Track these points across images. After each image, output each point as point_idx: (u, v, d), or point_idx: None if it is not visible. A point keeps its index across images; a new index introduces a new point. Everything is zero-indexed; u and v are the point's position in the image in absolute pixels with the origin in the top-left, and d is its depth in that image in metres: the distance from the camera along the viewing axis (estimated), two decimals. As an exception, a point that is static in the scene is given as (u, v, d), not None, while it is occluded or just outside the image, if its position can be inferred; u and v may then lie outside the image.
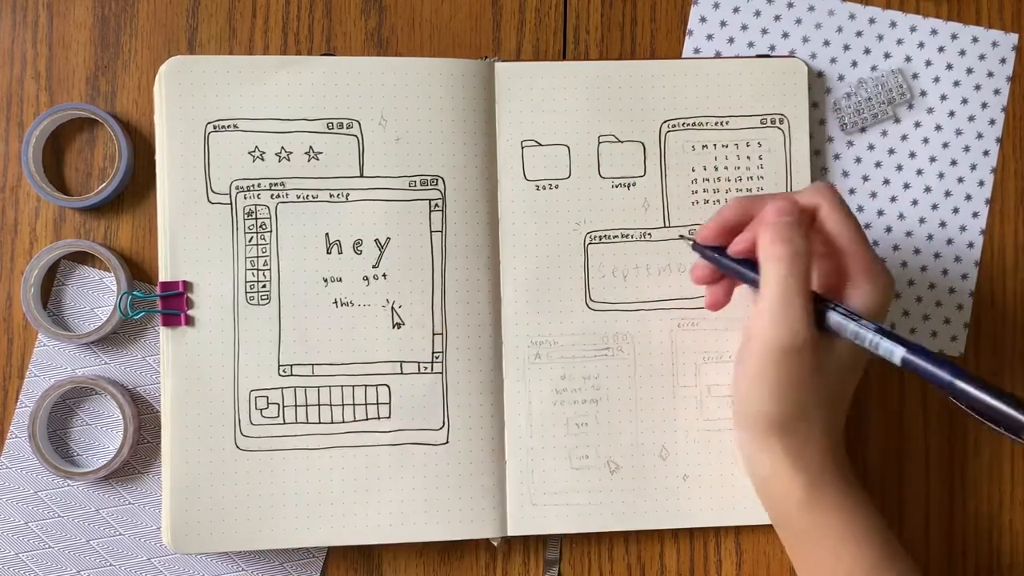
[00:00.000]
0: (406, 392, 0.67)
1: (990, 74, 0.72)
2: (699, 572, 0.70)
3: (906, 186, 0.71)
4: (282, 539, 0.66)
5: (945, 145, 0.71)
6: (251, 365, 0.66)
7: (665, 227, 0.69)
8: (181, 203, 0.66)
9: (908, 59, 0.71)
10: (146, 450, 0.68)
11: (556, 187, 0.69)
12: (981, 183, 0.71)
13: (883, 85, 0.71)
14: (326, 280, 0.67)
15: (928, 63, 0.71)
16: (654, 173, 0.69)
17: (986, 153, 0.72)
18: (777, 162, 0.70)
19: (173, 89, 0.66)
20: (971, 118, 0.71)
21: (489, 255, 0.68)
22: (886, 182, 0.71)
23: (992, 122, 0.72)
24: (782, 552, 0.69)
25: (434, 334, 0.67)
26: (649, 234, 0.69)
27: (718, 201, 0.69)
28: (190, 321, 0.66)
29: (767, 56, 0.71)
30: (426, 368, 0.67)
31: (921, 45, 0.71)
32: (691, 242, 0.65)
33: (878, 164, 0.71)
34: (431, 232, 0.67)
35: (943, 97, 0.71)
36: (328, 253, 0.67)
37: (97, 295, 0.69)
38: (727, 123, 0.70)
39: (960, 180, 0.71)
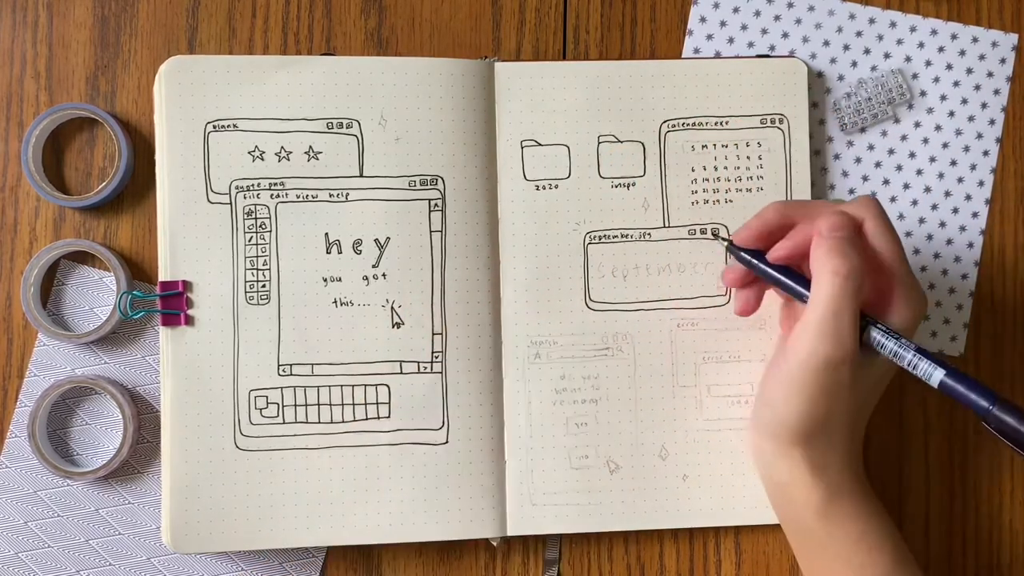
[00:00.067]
0: (406, 392, 0.67)
1: (990, 74, 0.72)
2: (699, 572, 0.70)
3: (906, 186, 0.71)
4: (282, 539, 0.66)
5: (945, 145, 0.71)
6: (251, 365, 0.66)
7: (665, 227, 0.69)
8: (181, 203, 0.66)
9: (908, 59, 0.71)
10: (146, 450, 0.68)
11: (556, 187, 0.69)
12: (981, 183, 0.71)
13: (883, 85, 0.71)
14: (326, 280, 0.67)
15: (928, 63, 0.71)
16: (654, 173, 0.69)
17: (986, 153, 0.72)
18: (777, 162, 0.70)
19: (173, 89, 0.66)
20: (971, 118, 0.71)
21: (489, 255, 0.68)
22: (886, 182, 0.71)
23: (992, 122, 0.72)
24: (782, 552, 0.69)
25: (434, 334, 0.67)
26: (649, 234, 0.69)
27: (718, 201, 0.69)
28: (190, 321, 0.66)
29: (767, 56, 0.71)
30: (426, 368, 0.67)
31: (921, 45, 0.71)
32: (727, 243, 0.64)
33: (878, 164, 0.71)
34: (431, 232, 0.67)
35: (943, 97, 0.71)
36: (328, 253, 0.67)
37: (97, 295, 0.69)
38: (727, 123, 0.70)
39: (960, 180, 0.71)
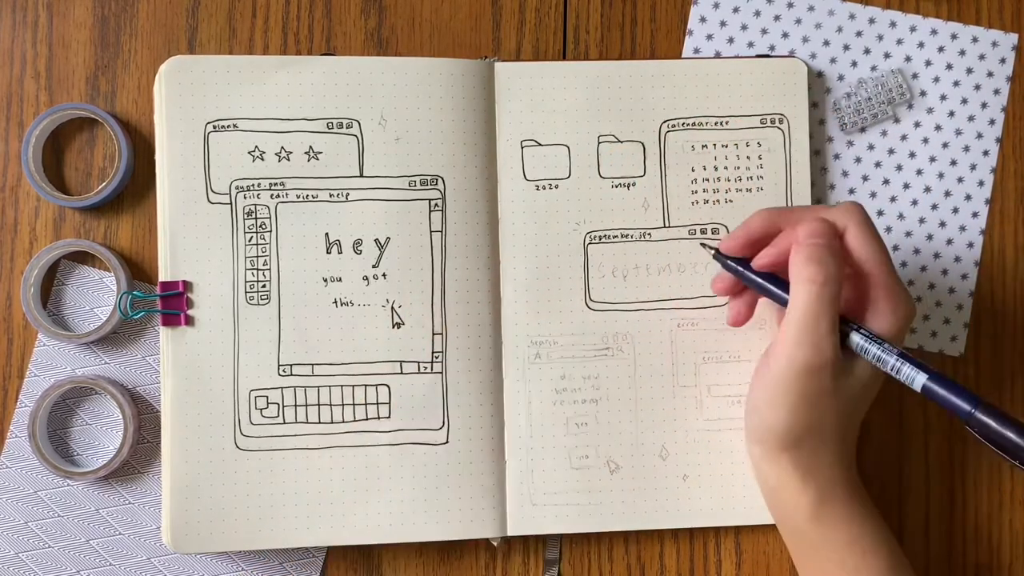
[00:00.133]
0: (406, 392, 0.67)
1: (990, 74, 0.72)
2: (699, 572, 0.70)
3: (906, 186, 0.71)
4: (282, 539, 0.66)
5: (945, 145, 0.71)
6: (251, 365, 0.66)
7: (665, 227, 0.69)
8: (181, 203, 0.66)
9: (908, 59, 0.71)
10: (146, 450, 0.68)
11: (556, 187, 0.69)
12: (981, 183, 0.71)
13: (883, 85, 0.71)
14: (326, 280, 0.67)
15: (928, 63, 0.71)
16: (654, 173, 0.69)
17: (986, 153, 0.72)
18: (777, 162, 0.70)
19: (173, 89, 0.66)
20: (971, 118, 0.72)
21: (489, 255, 0.68)
22: (886, 182, 0.71)
23: (992, 122, 0.72)
24: (782, 552, 0.69)
25: (434, 334, 0.67)
26: (649, 234, 0.69)
27: (718, 201, 0.69)
28: (190, 321, 0.66)
29: (767, 56, 0.71)
30: (426, 368, 0.67)
31: (921, 45, 0.72)
32: (713, 251, 0.64)
33: (878, 164, 0.71)
34: (431, 232, 0.67)
35: (943, 97, 0.71)
36: (328, 253, 0.67)
37: (97, 295, 0.69)
38: (727, 123, 0.70)
39: (960, 180, 0.71)
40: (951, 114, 0.71)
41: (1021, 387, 0.71)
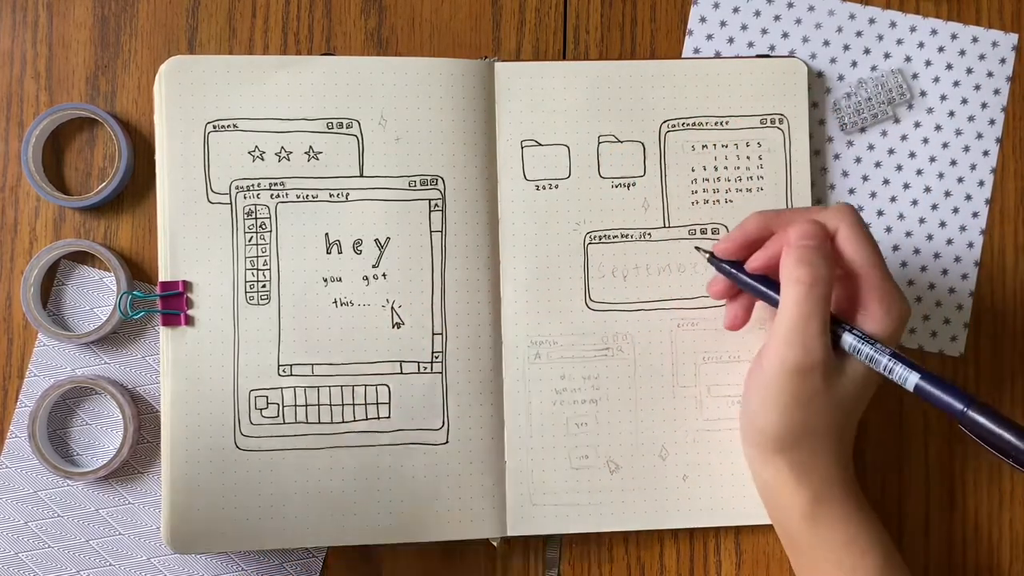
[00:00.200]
0: (406, 392, 0.67)
1: (990, 74, 0.72)
2: (699, 572, 0.70)
3: (906, 186, 0.71)
4: (282, 539, 0.66)
5: (945, 145, 0.71)
6: (251, 365, 0.66)
7: (665, 227, 0.69)
8: (181, 203, 0.66)
9: (908, 59, 0.71)
10: (146, 450, 0.68)
11: (556, 187, 0.69)
12: (981, 183, 0.71)
13: (883, 85, 0.71)
14: (326, 280, 0.67)
15: (928, 63, 0.71)
16: (654, 173, 0.69)
17: (986, 153, 0.72)
18: (777, 162, 0.70)
19: (173, 89, 0.66)
20: (971, 118, 0.72)
21: (489, 255, 0.68)
22: (886, 182, 0.71)
23: (992, 122, 0.72)
24: (782, 552, 0.69)
25: (434, 334, 0.67)
26: (649, 234, 0.69)
27: (718, 201, 0.69)
28: (190, 321, 0.66)
29: (767, 56, 0.71)
30: (426, 368, 0.67)
31: (921, 45, 0.72)
32: (708, 255, 0.65)
33: (878, 164, 0.71)
34: (431, 232, 0.67)
35: (943, 97, 0.71)
36: (328, 253, 0.67)
37: (97, 295, 0.69)
38: (727, 123, 0.70)
39: (960, 180, 0.71)
40: (951, 114, 0.71)
41: (1021, 387, 0.71)
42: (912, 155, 0.71)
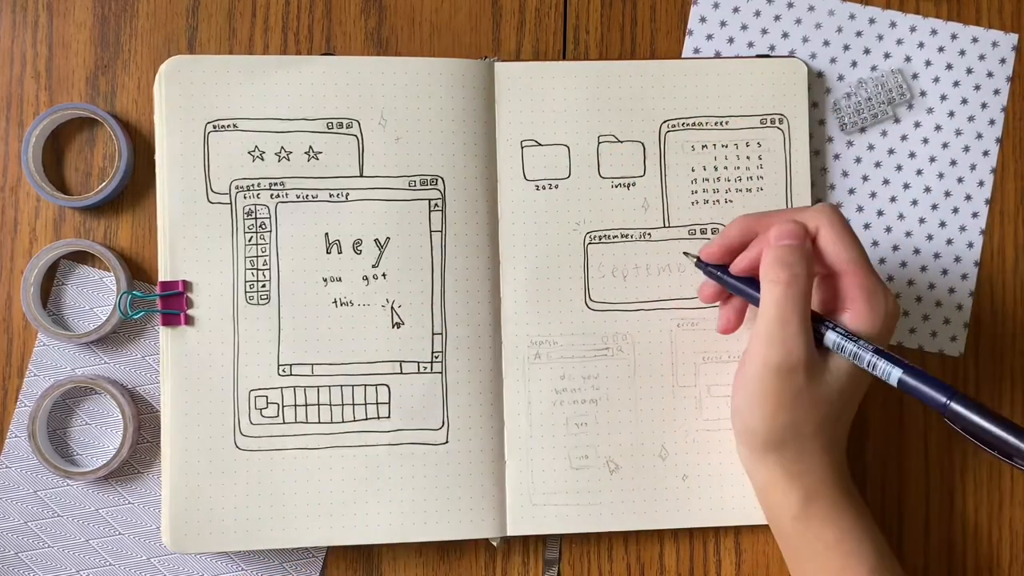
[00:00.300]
0: (406, 392, 0.67)
1: (990, 74, 0.72)
2: (699, 572, 0.70)
3: (906, 186, 0.71)
4: (282, 539, 0.66)
5: (945, 145, 0.71)
6: (251, 365, 0.66)
7: (665, 227, 0.69)
8: (181, 203, 0.66)
9: (908, 59, 0.71)
10: (146, 450, 0.68)
11: (556, 187, 0.69)
12: (981, 183, 0.71)
13: (883, 85, 0.71)
14: (326, 280, 0.67)
15: (928, 63, 0.71)
16: (654, 173, 0.69)
17: (986, 153, 0.72)
18: (777, 162, 0.70)
19: (173, 89, 0.66)
20: (971, 118, 0.71)
21: (489, 255, 0.68)
22: (886, 182, 0.71)
23: (992, 122, 0.72)
24: (782, 552, 0.69)
25: (434, 334, 0.67)
26: (649, 234, 0.69)
27: (718, 201, 0.69)
28: (190, 321, 0.66)
29: (767, 56, 0.71)
30: (426, 368, 0.67)
31: (921, 45, 0.71)
32: (695, 259, 0.65)
33: (878, 164, 0.71)
34: (431, 232, 0.67)
35: (943, 97, 0.71)
36: (328, 253, 0.67)
37: (97, 295, 0.69)
38: (727, 123, 0.70)
39: (960, 180, 0.71)
40: (951, 114, 0.71)
41: (1021, 387, 0.71)
42: (912, 155, 0.71)
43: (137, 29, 0.70)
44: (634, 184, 0.69)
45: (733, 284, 0.64)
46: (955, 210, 0.71)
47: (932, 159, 0.71)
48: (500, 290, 0.68)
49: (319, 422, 0.66)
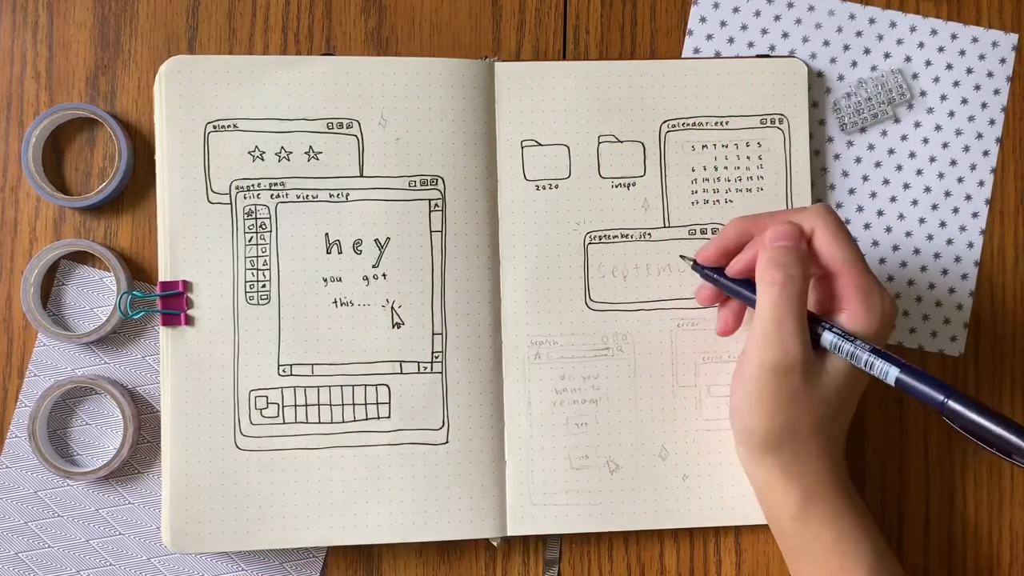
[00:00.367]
0: (406, 392, 0.67)
1: (990, 74, 0.72)
2: (699, 572, 0.70)
3: (906, 186, 0.71)
4: (282, 539, 0.66)
5: (945, 145, 0.71)
6: (251, 365, 0.66)
7: (665, 227, 0.69)
8: (181, 203, 0.66)
9: (908, 59, 0.71)
10: (146, 450, 0.68)
11: (556, 187, 0.69)
12: (981, 183, 0.71)
13: (883, 85, 0.71)
14: (326, 280, 0.67)
15: (928, 63, 0.71)
16: (654, 173, 0.69)
17: (986, 153, 0.72)
18: (777, 162, 0.70)
19: (173, 89, 0.66)
20: (971, 118, 0.71)
21: (489, 255, 0.68)
22: (886, 182, 0.71)
23: (992, 122, 0.72)
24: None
25: (434, 334, 0.67)
26: (649, 234, 0.69)
27: (718, 201, 0.69)
28: (190, 321, 0.66)
29: (767, 56, 0.71)
30: (426, 368, 0.67)
31: (921, 45, 0.71)
32: (691, 262, 0.65)
33: (878, 164, 0.71)
34: (431, 232, 0.67)
35: (943, 97, 0.71)
36: (328, 253, 0.67)
37: (97, 295, 0.69)
38: (727, 123, 0.70)
39: (960, 180, 0.71)
40: (951, 114, 0.71)
41: (1021, 387, 0.71)
42: (912, 155, 0.71)
43: (137, 29, 0.70)
44: (634, 184, 0.69)
45: (729, 286, 0.64)
46: (955, 210, 0.71)
47: (932, 159, 0.71)
48: (500, 290, 0.68)
49: (319, 422, 0.66)
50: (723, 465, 0.68)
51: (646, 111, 0.69)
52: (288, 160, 0.67)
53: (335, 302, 0.67)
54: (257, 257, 0.67)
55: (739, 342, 0.68)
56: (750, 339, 0.61)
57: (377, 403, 0.67)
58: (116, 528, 0.68)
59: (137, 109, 0.69)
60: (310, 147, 0.67)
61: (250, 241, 0.67)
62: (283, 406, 0.66)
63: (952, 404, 0.57)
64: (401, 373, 0.67)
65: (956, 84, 0.71)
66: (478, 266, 0.68)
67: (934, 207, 0.71)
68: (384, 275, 0.67)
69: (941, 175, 0.71)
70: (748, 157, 0.70)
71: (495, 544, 0.68)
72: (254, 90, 0.67)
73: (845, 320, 0.61)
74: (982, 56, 0.72)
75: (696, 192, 0.69)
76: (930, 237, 0.71)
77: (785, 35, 0.71)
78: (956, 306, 0.71)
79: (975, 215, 0.71)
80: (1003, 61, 0.72)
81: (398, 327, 0.67)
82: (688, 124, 0.69)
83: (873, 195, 0.71)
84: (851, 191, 0.71)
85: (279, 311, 0.67)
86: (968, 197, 0.71)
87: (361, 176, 0.67)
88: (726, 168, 0.70)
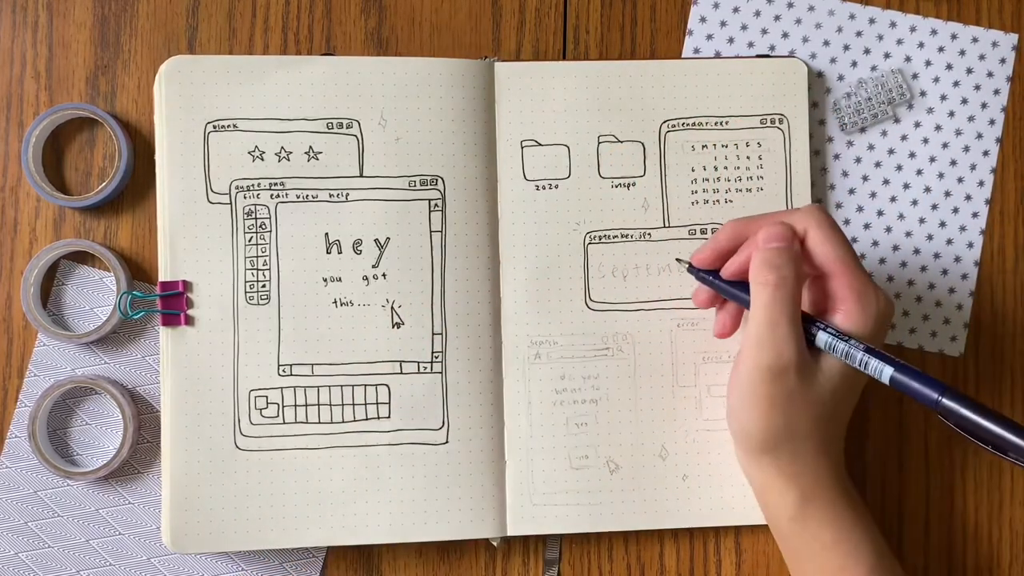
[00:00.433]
0: (406, 392, 0.67)
1: (990, 74, 0.72)
2: (699, 572, 0.70)
3: (906, 186, 0.71)
4: (282, 539, 0.66)
5: (945, 145, 0.71)
6: (251, 365, 0.66)
7: (665, 227, 0.69)
8: (181, 203, 0.66)
9: (908, 59, 0.71)
10: (146, 450, 0.68)
11: (556, 187, 0.69)
12: (981, 183, 0.71)
13: (883, 85, 0.71)
14: (326, 280, 0.67)
15: (928, 63, 0.71)
16: (654, 173, 0.69)
17: (986, 153, 0.72)
18: (777, 162, 0.70)
19: (173, 89, 0.66)
20: (971, 118, 0.71)
21: (489, 255, 0.68)
22: (886, 182, 0.71)
23: (992, 122, 0.72)
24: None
25: (434, 334, 0.67)
26: (649, 234, 0.69)
27: (718, 201, 0.69)
28: (190, 321, 0.66)
29: (767, 56, 0.71)
30: (426, 368, 0.67)
31: (921, 45, 0.71)
32: (687, 265, 0.65)
33: (878, 164, 0.71)
34: (431, 232, 0.67)
35: (943, 97, 0.71)
36: (328, 253, 0.67)
37: (97, 295, 0.69)
38: (727, 123, 0.70)
39: (960, 180, 0.71)
40: (951, 114, 0.71)
41: (1021, 387, 0.71)
42: (912, 155, 0.71)
43: (137, 29, 0.70)
44: (634, 184, 0.69)
45: (724, 288, 0.64)
46: (955, 210, 0.71)
47: (932, 159, 0.71)
48: (500, 290, 0.68)
49: (319, 422, 0.66)
50: (723, 465, 0.68)
51: (646, 111, 0.69)
52: (288, 160, 0.67)
53: (335, 302, 0.67)
54: (257, 257, 0.67)
55: (739, 342, 0.68)
56: (744, 341, 0.61)
57: (377, 403, 0.67)
58: (116, 528, 0.68)
59: (137, 109, 0.69)
60: (310, 147, 0.67)
61: (250, 241, 0.67)
62: (283, 406, 0.66)
63: (946, 402, 0.57)
64: (401, 373, 0.67)
65: (956, 84, 0.71)
66: (478, 266, 0.68)
67: (934, 207, 0.71)
68: (384, 275, 0.67)
69: (941, 175, 0.71)
70: (748, 157, 0.70)
71: (495, 544, 0.68)
72: (254, 90, 0.67)
73: (840, 320, 0.61)
74: (982, 56, 0.72)
75: (696, 192, 0.69)
76: (930, 237, 0.71)
77: (785, 35, 0.71)
78: (956, 306, 0.71)
79: (975, 215, 0.71)
80: (1003, 61, 0.72)
81: (398, 327, 0.67)
82: (688, 124, 0.69)
83: (873, 195, 0.71)
84: (851, 191, 0.71)
85: (279, 311, 0.67)
86: (968, 197, 0.71)
87: (361, 176, 0.67)
88: (726, 168, 0.70)
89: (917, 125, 0.71)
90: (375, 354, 0.67)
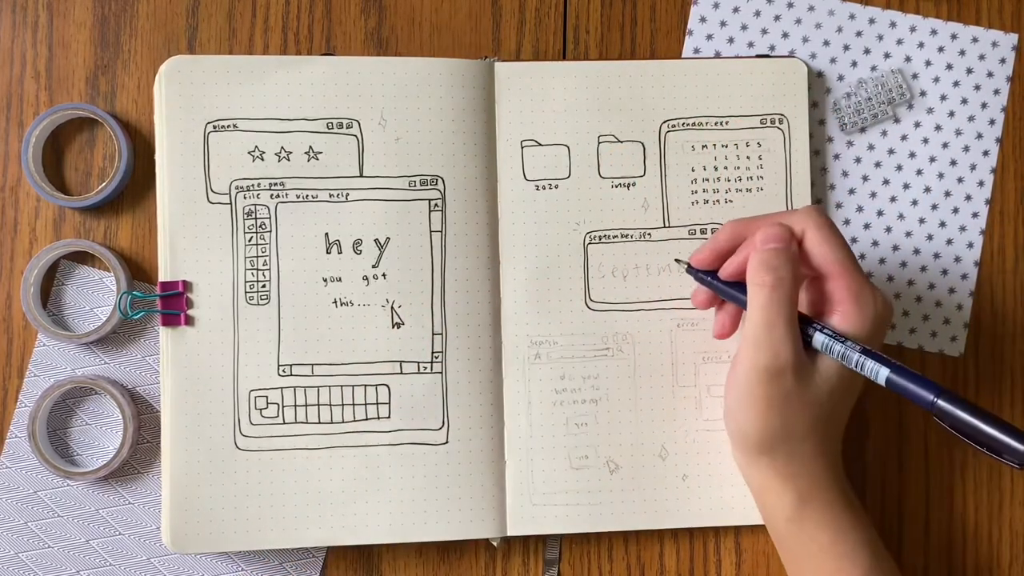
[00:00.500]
0: (406, 392, 0.67)
1: (990, 74, 0.72)
2: (699, 572, 0.70)
3: (906, 186, 0.71)
4: (282, 539, 0.66)
5: (945, 145, 0.71)
6: (251, 365, 0.66)
7: (665, 227, 0.69)
8: (181, 203, 0.66)
9: (908, 59, 0.71)
10: (146, 450, 0.68)
11: (556, 187, 0.69)
12: (981, 183, 0.71)
13: (883, 85, 0.71)
14: (326, 280, 0.67)
15: (928, 63, 0.71)
16: (654, 173, 0.69)
17: (986, 153, 0.72)
18: (777, 162, 0.70)
19: (173, 89, 0.66)
20: (971, 118, 0.71)
21: (489, 255, 0.68)
22: (886, 182, 0.71)
23: (992, 122, 0.72)
24: (782, 552, 0.70)
25: (434, 334, 0.67)
26: (649, 234, 0.69)
27: (718, 201, 0.69)
28: (190, 321, 0.66)
29: (767, 56, 0.71)
30: (426, 368, 0.67)
31: (921, 45, 0.71)
32: (686, 266, 0.65)
33: (878, 164, 0.71)
34: (431, 232, 0.67)
35: (943, 97, 0.71)
36: (328, 253, 0.67)
37: (97, 295, 0.69)
38: (727, 123, 0.70)
39: (960, 180, 0.71)
40: (951, 114, 0.71)
41: (1021, 387, 0.71)
42: (912, 155, 0.71)
43: (137, 29, 0.70)
44: (634, 184, 0.69)
45: (723, 289, 0.64)
46: (955, 210, 0.71)
47: (932, 159, 0.71)
48: (500, 290, 0.68)
49: (319, 422, 0.66)
50: (723, 465, 0.68)
51: (646, 111, 0.69)
52: (288, 160, 0.67)
53: (335, 302, 0.67)
54: (257, 257, 0.67)
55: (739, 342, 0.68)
56: (742, 341, 0.61)
57: (377, 403, 0.67)
58: (116, 528, 0.68)
59: (137, 109, 0.69)
60: (310, 147, 0.67)
61: (250, 241, 0.67)
62: (283, 406, 0.66)
63: (942, 403, 0.57)
64: (401, 373, 0.67)
65: (956, 84, 0.71)
66: (478, 266, 0.68)
67: (934, 207, 0.71)
68: (384, 275, 0.67)
69: (941, 175, 0.71)
70: (748, 157, 0.70)
71: (495, 544, 0.68)
72: (254, 90, 0.67)
73: (837, 321, 0.61)
74: (982, 56, 0.72)
75: (696, 192, 0.69)
76: (930, 237, 0.71)
77: (785, 35, 0.71)
78: (956, 306, 0.71)
79: (975, 215, 0.71)
80: (1003, 61, 0.72)
81: (398, 327, 0.67)
82: (688, 124, 0.69)
83: (873, 195, 0.71)
84: (851, 191, 0.71)
85: (279, 311, 0.67)
86: (968, 197, 0.71)
87: (361, 176, 0.67)
88: (726, 168, 0.70)
89: (917, 125, 0.71)
90: (375, 354, 0.67)
